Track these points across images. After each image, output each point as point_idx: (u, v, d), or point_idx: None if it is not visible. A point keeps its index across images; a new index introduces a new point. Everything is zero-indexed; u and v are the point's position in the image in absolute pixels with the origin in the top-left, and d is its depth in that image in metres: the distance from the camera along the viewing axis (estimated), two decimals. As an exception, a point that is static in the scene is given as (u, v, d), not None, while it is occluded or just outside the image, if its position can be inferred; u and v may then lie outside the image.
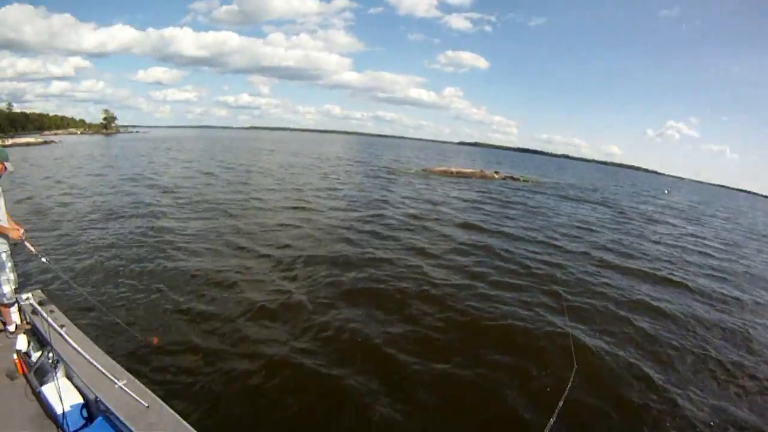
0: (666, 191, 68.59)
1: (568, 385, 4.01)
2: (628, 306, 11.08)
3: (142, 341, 7.30)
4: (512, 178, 43.94)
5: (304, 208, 21.48)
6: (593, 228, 21.41)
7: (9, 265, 5.81)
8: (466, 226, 19.08)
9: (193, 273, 12.09)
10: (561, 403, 3.72)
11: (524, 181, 43.42)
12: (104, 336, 8.23)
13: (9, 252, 5.79)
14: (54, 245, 13.80)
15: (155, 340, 6.93)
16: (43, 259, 6.29)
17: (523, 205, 27.01)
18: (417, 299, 10.54)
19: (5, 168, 5.59)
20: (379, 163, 54.91)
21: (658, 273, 14.46)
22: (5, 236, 5.66)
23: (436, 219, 20.05)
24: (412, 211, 21.91)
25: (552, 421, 3.46)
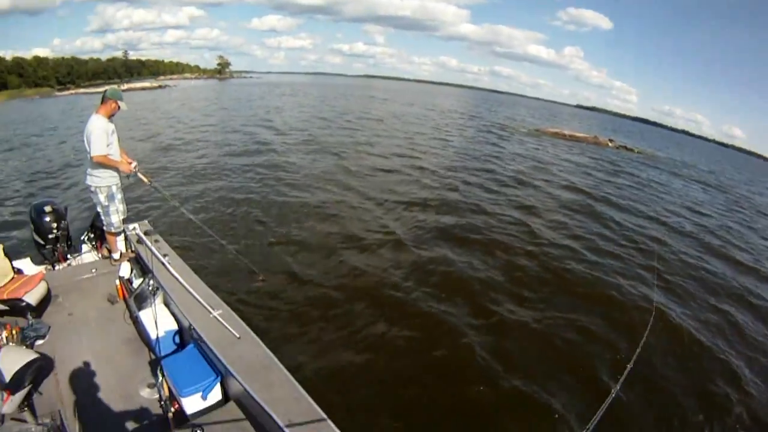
0: None
1: (634, 356, 4.07)
2: (724, 296, 10.58)
3: (255, 273, 7.69)
4: (626, 148, 42.37)
5: (413, 156, 21.97)
6: (702, 211, 20.15)
7: (119, 197, 6.14)
8: (573, 188, 18.97)
9: (299, 206, 12.85)
10: (630, 366, 3.83)
11: (638, 152, 41.75)
12: (210, 261, 9.14)
13: (119, 185, 6.12)
14: (168, 179, 14.92)
15: (261, 278, 7.57)
16: (155, 185, 6.53)
17: (633, 176, 26.10)
18: (515, 252, 10.80)
19: (119, 107, 5.80)
20: (493, 119, 54.21)
21: (761, 270, 13.19)
22: (117, 170, 5.96)
23: (544, 179, 19.94)
24: (521, 167, 21.97)
25: (617, 388, 3.51)
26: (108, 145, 5.69)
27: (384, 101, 72.96)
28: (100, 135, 5.58)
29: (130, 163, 6.00)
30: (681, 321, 8.66)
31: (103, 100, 5.67)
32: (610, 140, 44.12)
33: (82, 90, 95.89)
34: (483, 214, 13.50)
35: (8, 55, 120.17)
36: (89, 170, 5.85)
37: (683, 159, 52.07)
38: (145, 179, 6.21)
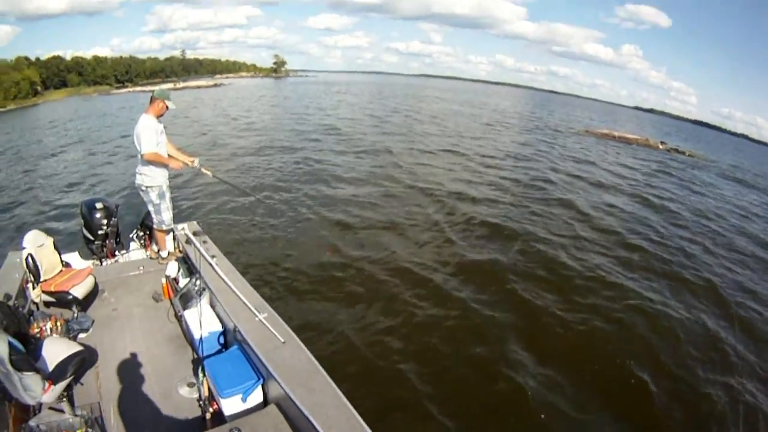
0: None
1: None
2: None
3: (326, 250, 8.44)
4: (677, 150, 41.69)
5: (460, 153, 22.98)
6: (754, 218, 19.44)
7: (168, 195, 6.27)
8: (613, 189, 19.20)
9: (348, 198, 13.80)
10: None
11: (689, 155, 40.98)
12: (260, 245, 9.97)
13: (168, 184, 6.25)
14: (228, 171, 16.01)
15: (329, 251, 8.28)
16: (219, 176, 6.81)
17: (679, 178, 26.02)
18: (559, 253, 11.02)
19: (167, 107, 5.91)
20: (547, 119, 55.04)
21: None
22: (166, 168, 6.07)
23: (585, 179, 20.24)
24: (568, 168, 22.41)
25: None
26: (157, 144, 5.85)
27: (439, 100, 73.93)
28: (150, 134, 5.75)
29: (192, 160, 6.18)
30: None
31: (152, 101, 5.86)
32: (662, 142, 43.53)
33: (138, 88, 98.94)
34: (527, 212, 14.08)
35: (68, 55, 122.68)
36: (140, 169, 5.98)
37: (738, 163, 50.60)
38: (208, 172, 6.41)
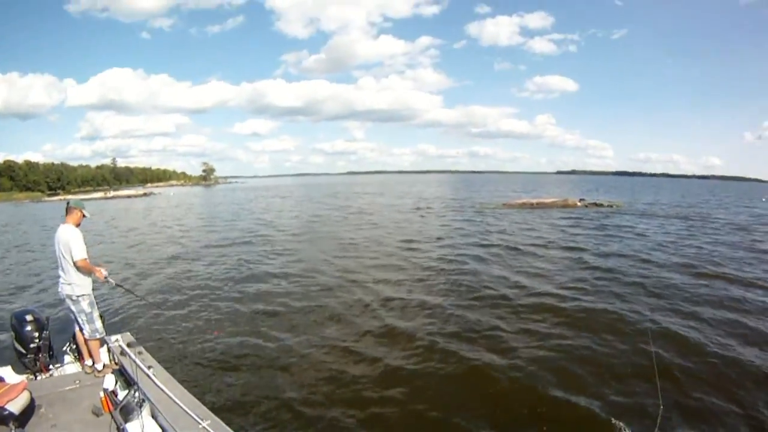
0: (764, 199, 64.41)
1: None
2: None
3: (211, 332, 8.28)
4: (596, 204, 43.09)
5: (385, 243, 22.85)
6: (661, 240, 22.32)
7: (95, 304, 6.23)
8: (530, 253, 19.30)
9: (277, 291, 13.91)
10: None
11: (608, 206, 42.43)
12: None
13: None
14: (142, 282, 15.45)
15: (216, 332, 7.77)
16: (123, 286, 6.94)
17: (595, 229, 26.89)
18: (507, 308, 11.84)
19: (84, 215, 6.08)
20: (469, 199, 56.12)
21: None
22: (93, 275, 6.10)
23: (505, 248, 20.49)
24: (492, 240, 22.99)
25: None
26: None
27: (365, 194, 76.32)
28: (80, 241, 5.82)
29: (101, 272, 6.14)
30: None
31: (69, 210, 5.98)
32: (580, 200, 44.63)
33: (70, 196, 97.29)
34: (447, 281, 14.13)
35: (0, 158, 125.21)
36: (69, 278, 5.94)
37: (655, 200, 54.24)
38: (113, 282, 6.49)
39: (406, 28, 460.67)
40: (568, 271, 15.90)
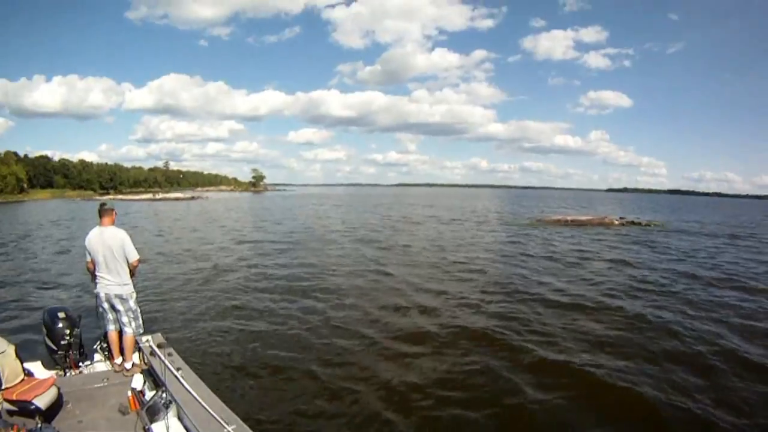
0: None
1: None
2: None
3: None
4: (633, 222, 41.97)
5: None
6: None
7: None
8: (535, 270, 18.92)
9: (332, 303, 13.52)
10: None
11: (645, 225, 41.20)
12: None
13: None
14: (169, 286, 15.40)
15: None
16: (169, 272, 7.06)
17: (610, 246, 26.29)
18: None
19: (116, 213, 6.33)
20: (503, 214, 56.04)
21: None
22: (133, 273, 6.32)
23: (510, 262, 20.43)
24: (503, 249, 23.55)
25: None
26: None
27: (414, 205, 76.99)
28: (131, 241, 6.08)
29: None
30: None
31: (106, 213, 6.11)
32: (619, 218, 43.69)
33: (120, 196, 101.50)
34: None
35: (56, 156, 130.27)
36: (120, 279, 6.13)
37: (700, 219, 53.59)
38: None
39: (460, 41, 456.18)
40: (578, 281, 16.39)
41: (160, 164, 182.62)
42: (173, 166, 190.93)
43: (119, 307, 6.19)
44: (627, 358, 9.47)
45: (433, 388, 8.10)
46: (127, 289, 6.18)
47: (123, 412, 5.25)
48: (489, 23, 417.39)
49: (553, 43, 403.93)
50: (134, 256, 6.11)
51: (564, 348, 10.04)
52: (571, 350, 9.91)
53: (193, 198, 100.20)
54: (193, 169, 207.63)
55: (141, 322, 6.36)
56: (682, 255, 23.81)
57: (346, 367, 8.99)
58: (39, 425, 4.64)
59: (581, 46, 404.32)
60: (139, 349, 6.40)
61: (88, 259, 6.24)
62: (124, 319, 6.23)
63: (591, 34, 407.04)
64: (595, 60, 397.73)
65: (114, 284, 6.10)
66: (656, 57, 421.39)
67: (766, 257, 23.78)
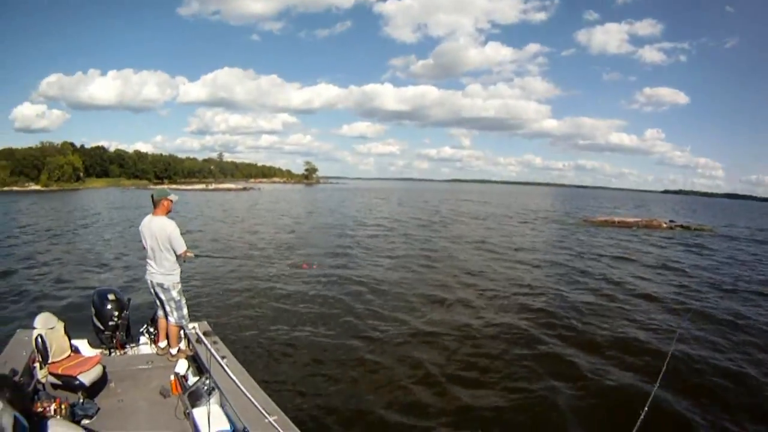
0: None
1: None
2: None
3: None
4: (682, 226, 40.94)
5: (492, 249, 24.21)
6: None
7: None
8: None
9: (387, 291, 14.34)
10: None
11: (695, 229, 40.09)
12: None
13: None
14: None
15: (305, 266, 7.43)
16: (219, 259, 7.35)
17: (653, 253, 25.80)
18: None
19: (172, 201, 6.23)
20: (553, 213, 56.64)
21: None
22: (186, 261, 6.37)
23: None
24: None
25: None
26: None
27: (471, 202, 77.03)
28: (179, 233, 6.07)
29: (190, 250, 6.37)
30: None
31: (157, 203, 6.11)
32: (670, 221, 43.25)
33: (174, 186, 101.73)
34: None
35: (112, 147, 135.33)
36: (163, 269, 6.15)
37: (749, 225, 52.40)
38: (210, 255, 6.88)
39: (513, 34, 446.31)
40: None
41: (214, 155, 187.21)
42: (227, 157, 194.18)
43: (162, 296, 6.27)
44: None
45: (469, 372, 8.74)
46: (170, 279, 6.19)
47: (164, 395, 5.43)
48: (542, 16, 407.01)
49: (607, 37, 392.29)
50: (181, 248, 6.09)
51: (570, 344, 10.53)
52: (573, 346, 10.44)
53: (245, 189, 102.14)
54: (247, 161, 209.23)
55: (185, 312, 6.36)
56: (725, 260, 23.86)
57: (387, 356, 9.32)
58: (81, 400, 4.96)
59: (636, 40, 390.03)
60: (185, 336, 6.55)
61: (143, 245, 6.33)
62: (167, 308, 6.29)
63: (645, 27, 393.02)
64: (650, 54, 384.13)
65: (157, 273, 6.17)
66: (712, 52, 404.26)
67: None
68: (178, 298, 6.27)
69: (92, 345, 6.38)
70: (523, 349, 10.00)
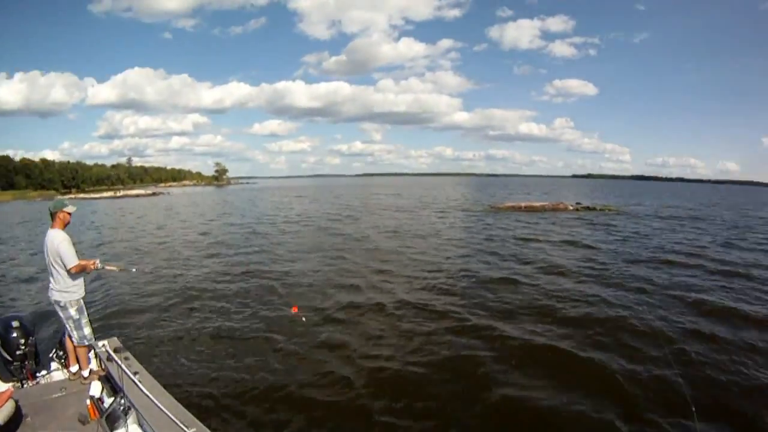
0: None
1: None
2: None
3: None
4: (588, 208, 42.48)
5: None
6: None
7: (85, 309, 6.11)
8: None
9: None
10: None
11: (600, 209, 41.83)
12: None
13: (84, 296, 6.13)
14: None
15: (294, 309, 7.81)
16: (133, 269, 7.73)
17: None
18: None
19: (69, 213, 5.97)
20: (458, 201, 57.72)
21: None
22: (82, 279, 6.05)
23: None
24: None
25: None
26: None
27: (379, 195, 76.29)
28: (69, 246, 5.72)
29: (94, 261, 6.04)
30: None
31: (54, 215, 5.84)
32: (574, 204, 44.45)
33: (82, 195, 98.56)
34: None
35: (17, 155, 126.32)
36: (58, 285, 5.84)
37: (659, 204, 54.70)
38: (115, 268, 6.55)
39: (427, 30, 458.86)
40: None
41: (123, 161, 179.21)
42: (137, 161, 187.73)
43: (60, 314, 6.01)
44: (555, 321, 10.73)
45: (389, 351, 9.06)
46: (66, 297, 5.89)
47: (83, 421, 5.14)
48: (456, 12, 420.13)
49: (520, 32, 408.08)
50: (70, 263, 5.75)
51: (489, 315, 11.20)
52: (491, 317, 11.04)
53: (154, 194, 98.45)
54: (156, 165, 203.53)
55: (86, 332, 6.02)
56: (627, 236, 25.26)
57: (303, 344, 9.35)
58: None
59: (548, 35, 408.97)
60: (96, 355, 6.32)
61: None
62: (68, 328, 6.01)
63: (557, 23, 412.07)
64: (561, 49, 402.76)
65: (54, 290, 5.90)
66: (622, 46, 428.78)
67: (683, 235, 25.66)
68: (77, 316, 5.96)
69: (3, 379, 5.97)
70: (437, 323, 10.67)
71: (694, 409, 5.20)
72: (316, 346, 9.38)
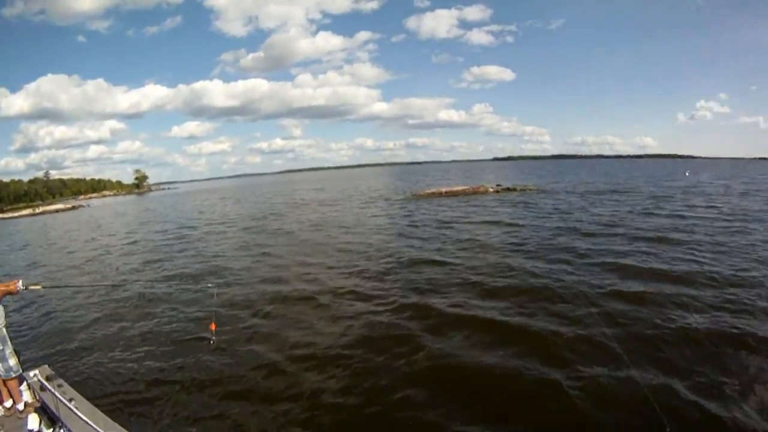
0: (687, 173, 67.86)
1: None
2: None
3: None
4: (508, 189, 43.41)
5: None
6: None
7: (9, 339, 5.72)
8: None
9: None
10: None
11: (520, 190, 42.81)
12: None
13: (7, 325, 5.73)
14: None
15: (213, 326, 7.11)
16: (49, 286, 7.24)
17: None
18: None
19: None
20: (378, 190, 58.83)
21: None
22: (1, 307, 5.62)
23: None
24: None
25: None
26: None
27: (299, 190, 75.72)
28: None
29: (15, 282, 5.63)
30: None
31: None
32: (495, 186, 45.08)
33: (0, 215, 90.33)
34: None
35: None
36: None
37: (578, 180, 57.49)
38: (39, 287, 6.23)
39: (345, 24, 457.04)
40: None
41: (40, 175, 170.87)
42: (55, 174, 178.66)
43: None
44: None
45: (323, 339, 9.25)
46: None
47: None
48: (373, 5, 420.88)
49: (437, 22, 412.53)
50: None
51: (417, 293, 11.79)
52: (419, 294, 11.65)
53: (74, 207, 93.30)
54: (75, 176, 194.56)
55: (11, 363, 5.62)
56: (549, 212, 26.33)
57: (233, 348, 9.23)
58: None
59: (465, 24, 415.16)
60: (29, 386, 5.96)
61: None
62: None
63: (475, 12, 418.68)
64: (478, 36, 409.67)
65: None
66: (538, 33, 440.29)
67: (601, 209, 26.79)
68: (0, 347, 5.60)
69: None
70: (366, 305, 11.13)
71: (627, 359, 5.82)
72: (247, 339, 9.53)
